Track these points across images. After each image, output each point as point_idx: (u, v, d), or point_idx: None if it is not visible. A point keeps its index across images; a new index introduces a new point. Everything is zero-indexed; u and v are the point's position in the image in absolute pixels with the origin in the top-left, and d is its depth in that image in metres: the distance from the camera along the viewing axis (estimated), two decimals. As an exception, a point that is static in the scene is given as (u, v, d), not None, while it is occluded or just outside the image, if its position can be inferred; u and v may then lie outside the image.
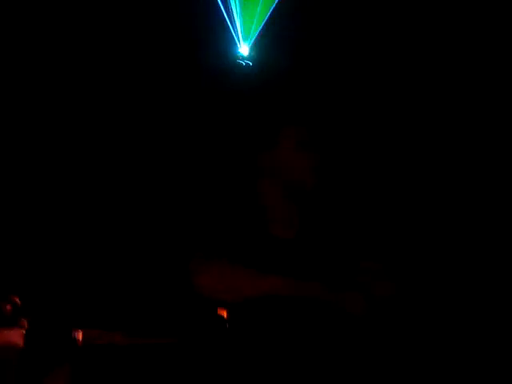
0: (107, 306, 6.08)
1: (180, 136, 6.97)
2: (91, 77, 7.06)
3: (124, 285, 6.42)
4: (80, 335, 5.22)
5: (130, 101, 7.10)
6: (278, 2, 6.91)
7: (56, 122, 6.98)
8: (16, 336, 4.97)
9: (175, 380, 5.09)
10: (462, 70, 6.59)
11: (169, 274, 5.97)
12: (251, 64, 7.11)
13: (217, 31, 7.07)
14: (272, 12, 6.97)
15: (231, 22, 7.06)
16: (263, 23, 7.05)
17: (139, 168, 6.97)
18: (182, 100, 7.00)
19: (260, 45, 7.12)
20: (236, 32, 7.09)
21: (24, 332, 5.00)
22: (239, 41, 7.10)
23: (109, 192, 6.96)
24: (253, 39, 7.11)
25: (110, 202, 6.95)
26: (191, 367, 5.06)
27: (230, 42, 7.12)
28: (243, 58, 7.12)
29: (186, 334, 5.36)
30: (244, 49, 7.14)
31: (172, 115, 7.00)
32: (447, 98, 6.66)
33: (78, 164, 6.97)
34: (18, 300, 5.11)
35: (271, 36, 7.12)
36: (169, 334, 5.42)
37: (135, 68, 7.09)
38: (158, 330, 5.55)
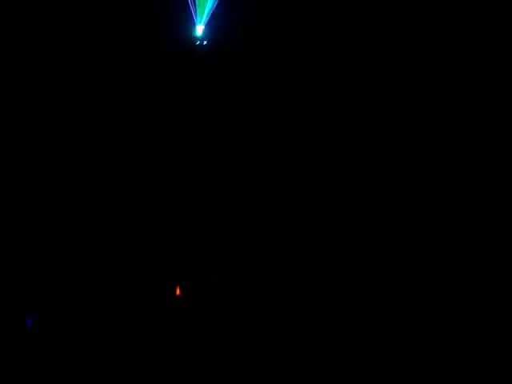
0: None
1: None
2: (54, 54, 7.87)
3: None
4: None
5: (91, 83, 7.93)
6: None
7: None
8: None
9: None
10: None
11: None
12: (206, 42, 8.10)
13: (176, 15, 8.02)
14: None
15: (188, 6, 8.03)
16: (214, 6, 8.03)
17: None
18: (144, 80, 7.95)
19: (212, 25, 8.10)
20: (192, 15, 8.06)
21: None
22: (195, 23, 8.08)
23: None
24: (205, 20, 8.09)
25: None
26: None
27: (187, 25, 8.08)
28: (199, 38, 8.11)
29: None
30: (199, 29, 8.12)
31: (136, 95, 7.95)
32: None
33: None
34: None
35: (222, 16, 8.09)
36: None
37: (100, 51, 7.92)
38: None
